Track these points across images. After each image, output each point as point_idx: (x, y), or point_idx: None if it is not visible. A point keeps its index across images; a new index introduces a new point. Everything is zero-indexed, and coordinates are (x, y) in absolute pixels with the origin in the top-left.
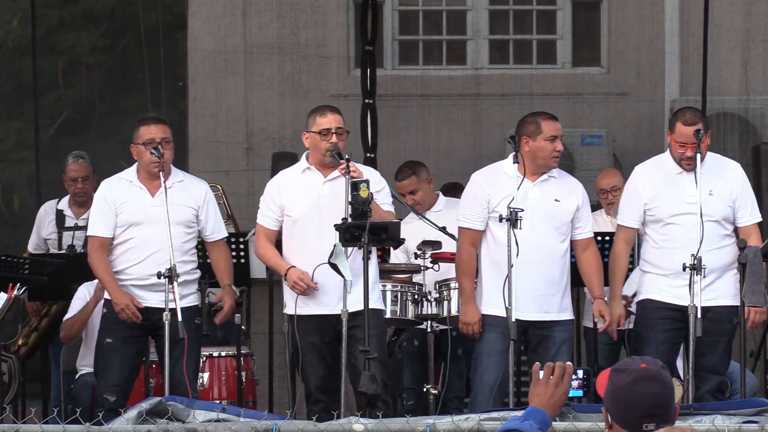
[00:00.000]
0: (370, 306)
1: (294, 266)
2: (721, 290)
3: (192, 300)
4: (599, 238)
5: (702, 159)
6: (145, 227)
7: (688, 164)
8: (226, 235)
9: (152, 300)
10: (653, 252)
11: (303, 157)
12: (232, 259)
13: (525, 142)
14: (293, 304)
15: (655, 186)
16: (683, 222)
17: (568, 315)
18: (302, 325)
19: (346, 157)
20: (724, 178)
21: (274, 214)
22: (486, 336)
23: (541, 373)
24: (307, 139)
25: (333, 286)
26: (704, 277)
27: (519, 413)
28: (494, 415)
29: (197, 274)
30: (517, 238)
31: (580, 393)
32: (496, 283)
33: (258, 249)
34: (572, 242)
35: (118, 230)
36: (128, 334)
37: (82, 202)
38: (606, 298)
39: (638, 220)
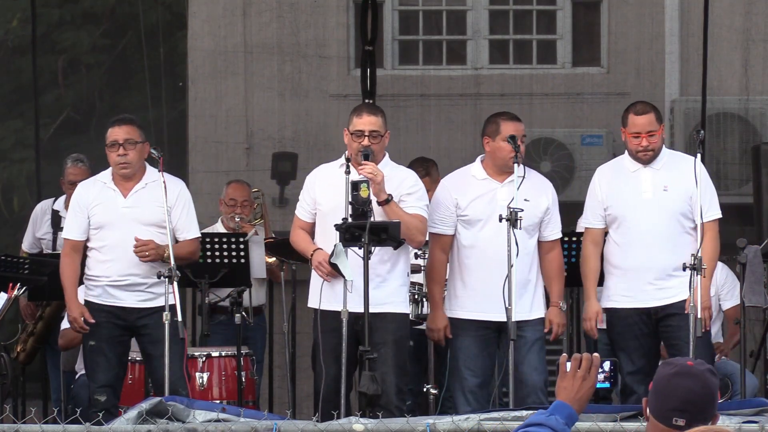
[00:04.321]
0: (393, 310)
1: (321, 248)
2: (679, 287)
3: (169, 299)
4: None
5: (656, 151)
6: (116, 228)
7: (644, 155)
8: (197, 236)
9: (129, 300)
10: (614, 251)
11: (346, 153)
12: (194, 255)
13: (486, 142)
14: (317, 298)
15: (610, 184)
16: (640, 219)
17: (539, 313)
18: (320, 321)
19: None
20: (681, 172)
21: (309, 207)
22: (459, 342)
23: (569, 365)
24: (346, 137)
25: (355, 284)
26: (700, 274)
27: (518, 413)
28: (494, 415)
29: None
30: (518, 237)
31: (606, 385)
32: (465, 287)
33: (291, 237)
34: (538, 242)
35: (92, 232)
36: (109, 334)
37: None
38: (562, 306)
39: (600, 221)
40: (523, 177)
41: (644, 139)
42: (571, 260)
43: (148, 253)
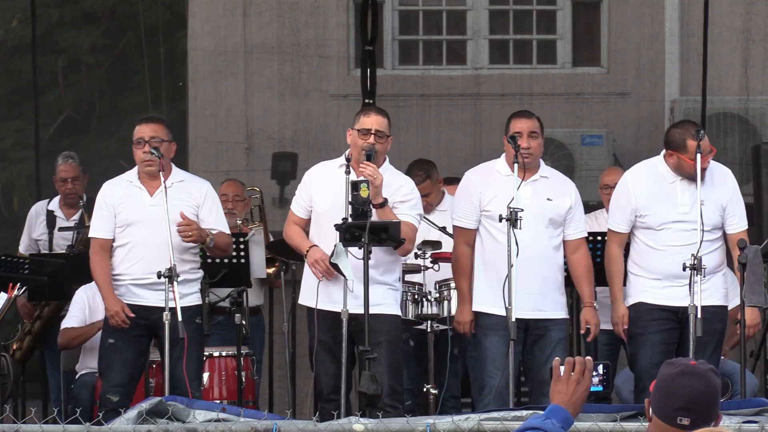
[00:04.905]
0: (385, 311)
1: (316, 245)
2: (710, 291)
3: (193, 299)
4: (599, 237)
5: (705, 168)
6: (142, 227)
7: (696, 174)
8: (229, 232)
9: (152, 299)
10: (644, 255)
11: (346, 153)
12: (230, 246)
13: (504, 140)
14: (309, 296)
15: (648, 194)
16: (675, 229)
17: (563, 313)
18: (317, 321)
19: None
20: (715, 186)
21: (305, 203)
22: (487, 340)
23: (562, 368)
24: (350, 136)
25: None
26: (704, 278)
27: (519, 413)
28: (494, 415)
29: (198, 273)
30: (517, 237)
31: (599, 389)
32: (491, 282)
33: (285, 232)
34: (564, 242)
35: (118, 230)
36: (130, 334)
37: (73, 203)
38: (596, 305)
39: (629, 225)
40: (531, 179)
41: (705, 161)
42: None
43: (191, 233)
